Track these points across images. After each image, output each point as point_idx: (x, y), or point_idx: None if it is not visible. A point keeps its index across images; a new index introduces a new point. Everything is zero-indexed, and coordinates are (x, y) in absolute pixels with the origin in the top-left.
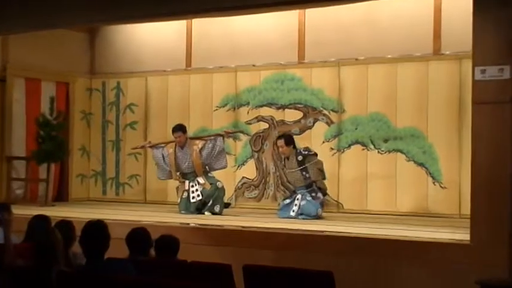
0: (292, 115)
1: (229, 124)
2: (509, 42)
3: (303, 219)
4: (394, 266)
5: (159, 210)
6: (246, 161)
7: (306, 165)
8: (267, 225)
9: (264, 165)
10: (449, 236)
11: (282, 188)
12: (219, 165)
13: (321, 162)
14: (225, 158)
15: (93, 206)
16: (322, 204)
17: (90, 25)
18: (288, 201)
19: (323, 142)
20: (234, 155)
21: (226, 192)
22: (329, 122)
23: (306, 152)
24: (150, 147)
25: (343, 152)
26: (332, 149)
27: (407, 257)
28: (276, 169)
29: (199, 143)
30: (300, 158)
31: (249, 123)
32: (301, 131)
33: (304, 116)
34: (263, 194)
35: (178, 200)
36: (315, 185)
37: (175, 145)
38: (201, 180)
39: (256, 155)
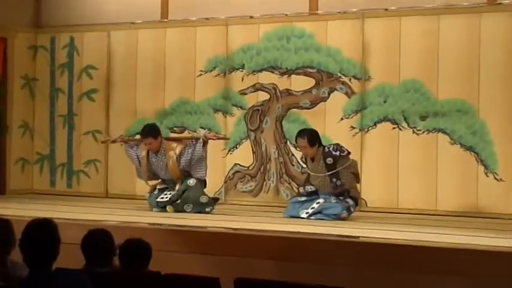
0: (300, 83)
1: (216, 94)
2: None
3: (318, 219)
4: (433, 283)
5: (125, 208)
6: (239, 143)
7: (338, 169)
8: (265, 226)
9: (263, 149)
10: (507, 243)
11: (286, 178)
12: (197, 173)
13: (355, 164)
14: (204, 167)
15: (38, 201)
16: (350, 210)
17: None
18: (303, 198)
19: (341, 119)
20: (224, 135)
21: (214, 184)
22: (349, 93)
23: (338, 153)
24: (123, 142)
25: (367, 132)
26: (353, 127)
27: (451, 271)
28: (278, 154)
29: (177, 148)
30: (329, 160)
31: (243, 93)
32: (312, 104)
33: (317, 85)
34: (262, 186)
35: (147, 195)
36: (346, 194)
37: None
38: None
39: (253, 135)
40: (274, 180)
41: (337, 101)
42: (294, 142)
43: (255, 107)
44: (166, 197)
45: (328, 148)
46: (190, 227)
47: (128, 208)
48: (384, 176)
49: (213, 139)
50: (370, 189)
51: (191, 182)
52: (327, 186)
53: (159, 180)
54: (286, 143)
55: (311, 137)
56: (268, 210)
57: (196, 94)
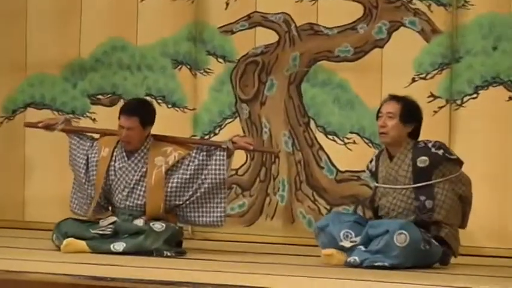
0: (336, 12)
1: (178, 32)
2: None
3: (367, 264)
4: None
5: (12, 244)
6: (220, 125)
7: (434, 181)
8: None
9: (266, 136)
10: None
11: (308, 191)
12: (204, 216)
13: (467, 182)
14: (222, 203)
15: None
16: (429, 257)
17: None
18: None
19: (412, 80)
20: (194, 109)
21: None
22: (427, 31)
23: (440, 152)
24: (65, 131)
25: (460, 106)
26: (434, 96)
27: None
28: (294, 145)
29: (172, 154)
30: (421, 161)
31: (228, 30)
32: (358, 53)
33: (367, 15)
34: (261, 206)
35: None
36: (434, 230)
37: (118, 143)
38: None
39: (245, 110)
40: (285, 194)
41: (405, 46)
42: (321, 123)
43: (250, 58)
44: (110, 229)
45: (425, 143)
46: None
47: (14, 246)
48: (491, 190)
49: (247, 148)
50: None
51: (158, 226)
52: (406, 208)
53: (108, 213)
54: (308, 124)
55: (411, 109)
56: (272, 250)
57: (140, 32)
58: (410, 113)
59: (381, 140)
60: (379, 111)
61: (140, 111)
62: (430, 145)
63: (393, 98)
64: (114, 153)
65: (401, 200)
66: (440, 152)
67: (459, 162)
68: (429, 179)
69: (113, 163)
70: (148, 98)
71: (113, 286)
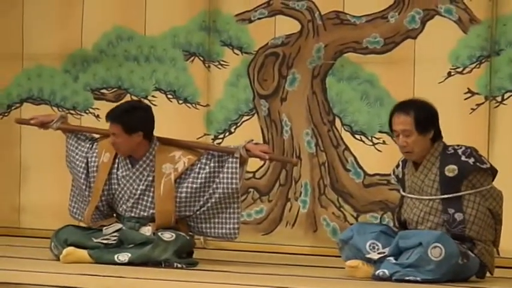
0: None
1: (190, 20)
2: None
3: (404, 279)
4: None
5: (7, 253)
6: (236, 123)
7: (464, 192)
8: None
9: (287, 135)
10: None
11: (333, 196)
12: (217, 227)
13: (498, 197)
14: (236, 214)
15: None
16: (461, 271)
17: None
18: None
19: (448, 75)
20: (207, 105)
21: None
22: (465, 21)
23: (471, 161)
24: (61, 129)
25: (501, 103)
26: (471, 92)
27: None
28: (317, 146)
29: (182, 160)
30: (450, 170)
31: (245, 19)
32: (388, 42)
33: (399, 2)
34: (282, 212)
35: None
36: (469, 245)
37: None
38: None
39: (264, 106)
40: (308, 199)
41: (440, 37)
42: (347, 122)
43: (270, 50)
44: (114, 238)
45: (455, 149)
46: None
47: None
48: None
49: (262, 158)
50: (506, 222)
51: (167, 236)
52: (435, 222)
53: (112, 220)
54: (333, 122)
55: (425, 114)
56: (292, 261)
57: (149, 21)
58: (425, 121)
59: (406, 157)
60: (391, 126)
61: (123, 118)
62: (460, 152)
63: (401, 110)
64: (117, 160)
65: (428, 213)
66: (471, 160)
67: (492, 172)
68: (458, 190)
69: (115, 170)
70: (157, 93)
71: None
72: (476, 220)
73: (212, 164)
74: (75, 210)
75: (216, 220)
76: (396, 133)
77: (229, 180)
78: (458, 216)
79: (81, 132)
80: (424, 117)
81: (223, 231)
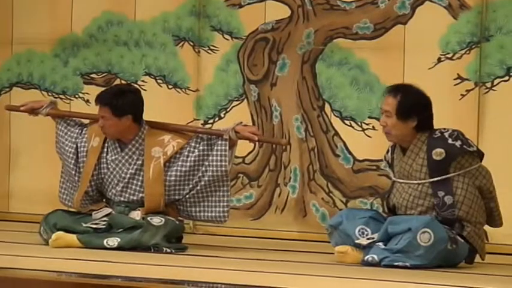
0: None
1: (180, 5)
2: None
3: (393, 264)
4: None
5: None
6: (226, 108)
7: (452, 174)
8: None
9: (276, 120)
10: None
11: (322, 181)
12: (207, 211)
13: (487, 174)
14: (225, 197)
15: None
16: (470, 257)
17: None
18: (372, 212)
19: (438, 60)
20: (197, 90)
21: None
22: (455, 7)
23: (458, 143)
24: (50, 115)
25: (490, 89)
26: (460, 78)
27: None
28: (307, 131)
29: (171, 143)
30: (437, 154)
31: (235, 4)
32: (378, 30)
33: None
34: (271, 197)
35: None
36: (457, 228)
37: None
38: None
39: (254, 92)
40: (297, 185)
41: (430, 23)
42: (337, 107)
43: (260, 35)
44: (103, 223)
45: (441, 132)
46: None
47: None
48: None
49: (252, 139)
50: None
51: (156, 220)
52: (425, 205)
53: (101, 204)
54: (323, 108)
55: (410, 102)
56: (282, 246)
57: (139, 5)
58: (408, 108)
59: (387, 138)
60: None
61: (112, 101)
62: (446, 135)
63: (391, 91)
64: (106, 144)
65: (418, 197)
66: (458, 143)
67: (479, 155)
68: (446, 173)
69: (104, 155)
70: (147, 77)
71: (106, 284)
72: (465, 200)
73: (201, 147)
74: (65, 196)
75: (206, 203)
76: (381, 111)
77: (219, 163)
78: (448, 199)
79: (71, 117)
80: (409, 104)
81: (213, 214)
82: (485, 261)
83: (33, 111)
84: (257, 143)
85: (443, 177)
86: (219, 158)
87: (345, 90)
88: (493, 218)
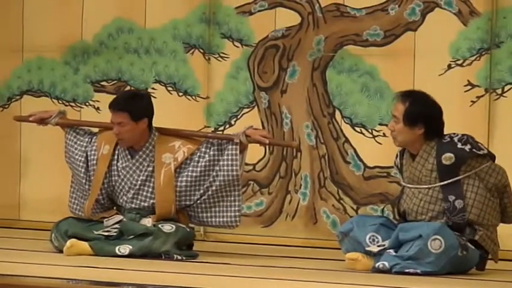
0: None
1: (190, 13)
2: None
3: (404, 271)
4: None
5: (7, 246)
6: (236, 115)
7: (461, 176)
8: None
9: (287, 127)
10: None
11: (333, 188)
12: (218, 216)
13: (501, 170)
14: (237, 202)
15: None
16: (480, 263)
17: None
18: (383, 219)
19: (448, 67)
20: (207, 97)
21: None
22: (465, 13)
23: (467, 147)
24: (60, 124)
25: (501, 96)
26: (471, 85)
27: None
28: (317, 138)
29: (181, 149)
30: (447, 158)
31: (245, 11)
32: (389, 36)
33: None
34: (282, 204)
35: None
36: (469, 234)
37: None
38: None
39: (264, 99)
40: (308, 192)
41: (440, 29)
42: (347, 114)
43: (270, 42)
44: (115, 230)
45: (451, 137)
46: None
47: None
48: None
49: (262, 142)
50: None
51: (167, 228)
52: (435, 210)
53: (112, 212)
54: (333, 115)
55: (417, 110)
56: (292, 253)
57: (149, 13)
58: (414, 115)
59: (394, 142)
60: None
61: (129, 105)
62: (456, 139)
63: (400, 96)
64: (116, 152)
65: (429, 202)
66: (468, 147)
67: (490, 158)
68: (456, 175)
69: (115, 162)
70: (157, 85)
71: None
72: (475, 203)
73: (212, 152)
74: (75, 206)
75: (217, 209)
76: (392, 116)
77: (229, 168)
78: (459, 203)
79: (80, 126)
80: (416, 112)
81: (224, 219)
82: (496, 268)
83: (42, 121)
84: (268, 148)
85: (453, 179)
86: (229, 162)
87: (355, 97)
88: (507, 214)
